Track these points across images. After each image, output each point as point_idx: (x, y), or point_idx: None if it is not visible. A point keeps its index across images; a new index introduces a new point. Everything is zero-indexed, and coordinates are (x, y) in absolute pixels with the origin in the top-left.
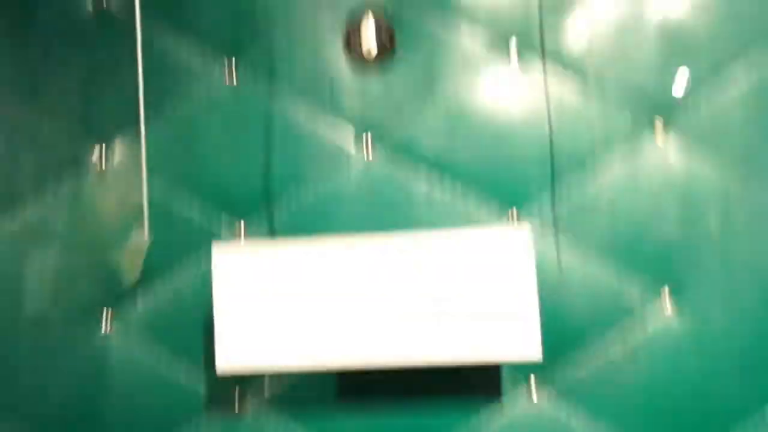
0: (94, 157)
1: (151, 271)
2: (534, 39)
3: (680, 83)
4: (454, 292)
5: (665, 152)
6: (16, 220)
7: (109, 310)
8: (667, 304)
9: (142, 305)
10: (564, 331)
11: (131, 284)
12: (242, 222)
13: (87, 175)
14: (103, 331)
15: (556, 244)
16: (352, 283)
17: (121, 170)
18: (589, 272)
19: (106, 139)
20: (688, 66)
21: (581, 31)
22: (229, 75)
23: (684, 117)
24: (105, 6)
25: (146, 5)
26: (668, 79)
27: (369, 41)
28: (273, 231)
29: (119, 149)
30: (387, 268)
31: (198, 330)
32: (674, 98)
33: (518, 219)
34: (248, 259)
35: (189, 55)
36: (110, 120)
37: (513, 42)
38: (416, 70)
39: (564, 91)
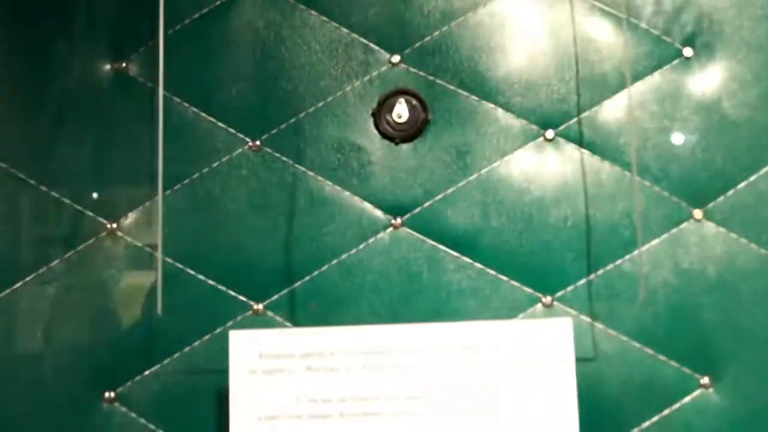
0: (106, 229)
1: (161, 351)
2: (571, 118)
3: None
4: (488, 382)
5: (706, 237)
6: (20, 292)
7: (113, 392)
8: (706, 393)
9: (149, 385)
10: (600, 420)
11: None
12: (261, 304)
13: (97, 247)
14: (106, 411)
15: (591, 332)
16: (381, 373)
17: (133, 244)
18: (625, 360)
19: (119, 209)
20: (730, 150)
21: (620, 111)
22: (252, 146)
23: (725, 202)
24: (124, 67)
25: (168, 71)
26: (709, 164)
27: (400, 108)
28: (293, 312)
29: (132, 221)
30: (416, 357)
31: (210, 414)
32: (715, 182)
33: (552, 306)
34: (267, 348)
35: (210, 124)
36: (124, 189)
37: (550, 131)
38: (448, 147)
39: (602, 172)
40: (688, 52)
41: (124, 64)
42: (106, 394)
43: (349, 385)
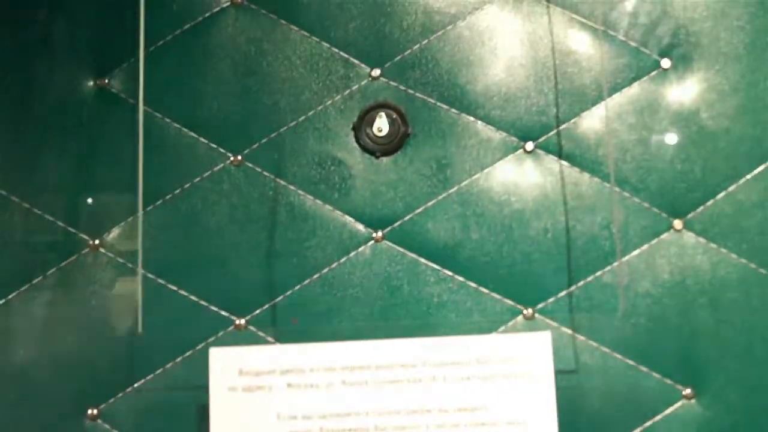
0: (88, 245)
1: (143, 367)
2: (551, 130)
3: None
4: (469, 396)
5: (686, 248)
6: (2, 310)
7: (95, 409)
8: (689, 404)
9: (132, 402)
10: None
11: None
12: (243, 319)
13: (80, 263)
14: (89, 428)
15: (573, 344)
16: (361, 390)
17: (116, 260)
18: (607, 372)
19: (101, 225)
20: (708, 161)
21: (599, 123)
22: (234, 160)
23: (705, 212)
24: (107, 83)
25: (150, 87)
26: (688, 174)
27: (380, 122)
28: (276, 327)
29: (115, 236)
30: (397, 373)
31: (191, 430)
32: (695, 192)
33: (534, 318)
34: (247, 365)
35: (192, 139)
36: (106, 205)
37: (530, 143)
38: (428, 160)
39: (581, 184)
40: (665, 63)
41: (107, 80)
42: (89, 411)
43: (329, 402)
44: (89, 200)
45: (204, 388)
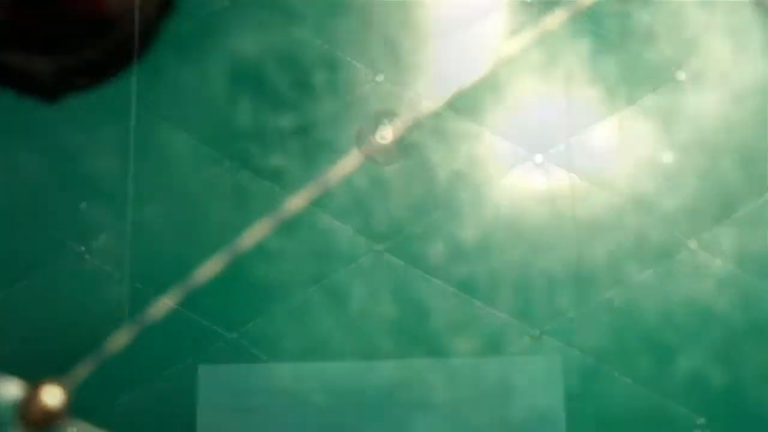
0: (75, 252)
1: (129, 382)
2: (561, 142)
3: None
4: (474, 420)
5: (700, 268)
6: None
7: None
8: None
9: (117, 418)
10: None
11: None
12: (235, 333)
13: (66, 271)
14: None
15: (582, 367)
16: (356, 411)
17: (103, 268)
18: (618, 397)
19: (89, 231)
20: (724, 178)
21: (611, 136)
22: (230, 166)
23: (720, 232)
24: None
25: (145, 90)
26: (704, 192)
27: (384, 129)
28: (268, 342)
29: (103, 244)
30: (396, 395)
31: None
32: (710, 210)
33: (541, 339)
34: (237, 384)
35: (185, 145)
36: (95, 215)
37: (539, 155)
38: (434, 170)
39: (592, 199)
40: (680, 75)
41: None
42: (69, 429)
43: (324, 425)
44: (83, 205)
45: (191, 406)
